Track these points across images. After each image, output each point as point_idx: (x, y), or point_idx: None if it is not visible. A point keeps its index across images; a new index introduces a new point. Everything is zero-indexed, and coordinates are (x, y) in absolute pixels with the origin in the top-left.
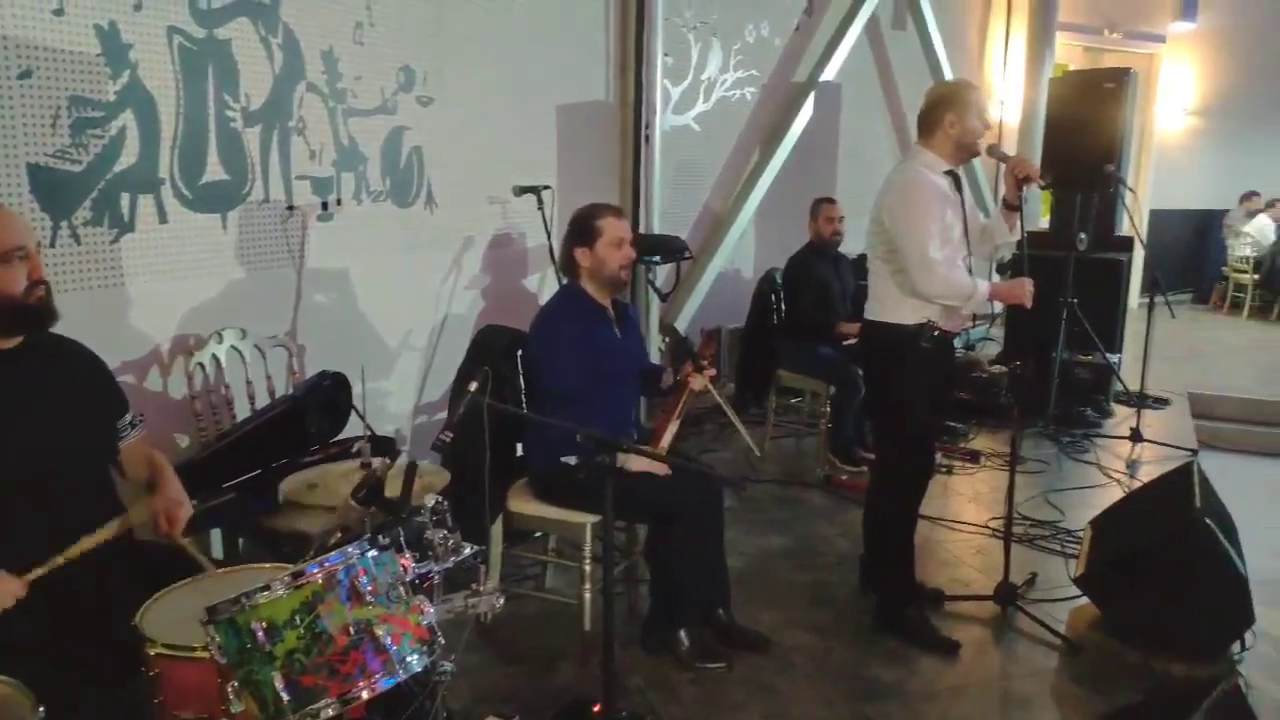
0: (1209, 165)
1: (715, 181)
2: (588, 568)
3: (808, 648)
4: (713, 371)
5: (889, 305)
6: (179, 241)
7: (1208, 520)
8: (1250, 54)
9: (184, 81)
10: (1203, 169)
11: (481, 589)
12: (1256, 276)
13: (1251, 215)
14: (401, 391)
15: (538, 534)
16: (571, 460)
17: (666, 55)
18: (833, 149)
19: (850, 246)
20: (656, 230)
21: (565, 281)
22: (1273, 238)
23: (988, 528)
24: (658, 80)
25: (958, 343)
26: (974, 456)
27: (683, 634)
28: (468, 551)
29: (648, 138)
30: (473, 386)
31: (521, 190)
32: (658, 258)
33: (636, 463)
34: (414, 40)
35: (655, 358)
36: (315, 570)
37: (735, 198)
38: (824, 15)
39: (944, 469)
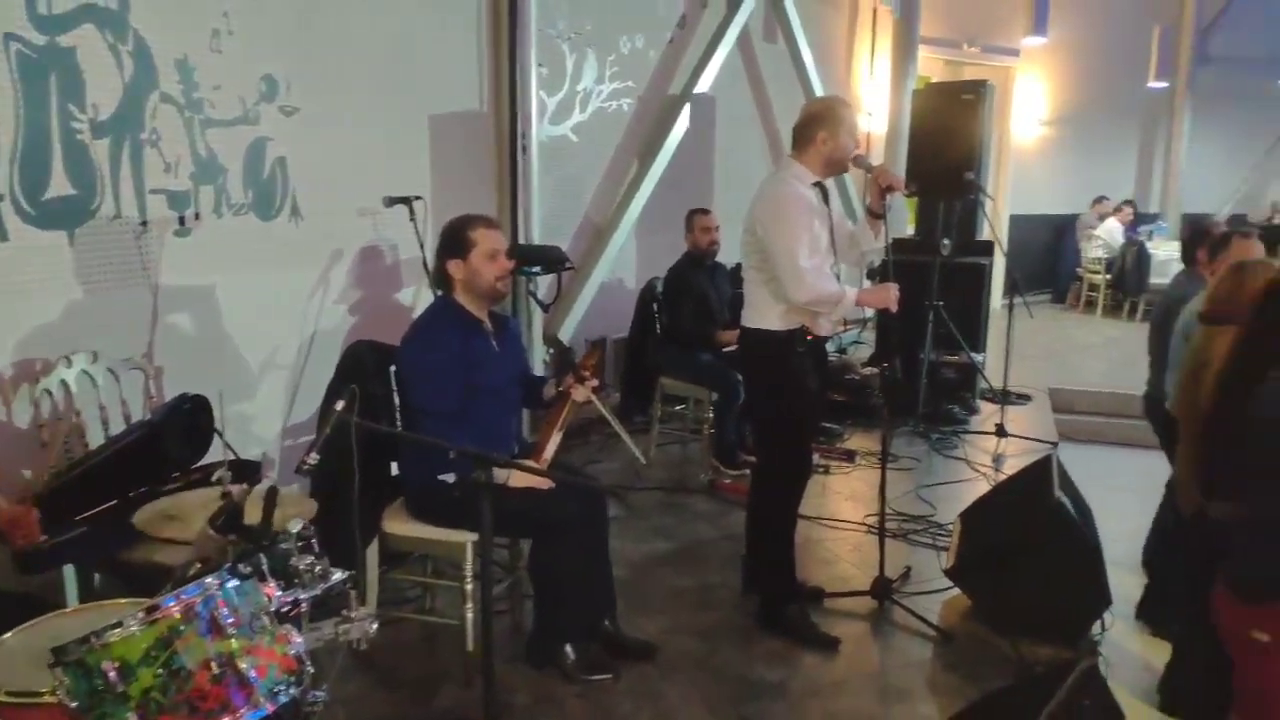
0: (1062, 172)
1: (595, 192)
2: (469, 587)
3: (693, 652)
4: (595, 382)
5: (763, 312)
6: (21, 260)
7: (1064, 508)
8: (1096, 67)
9: (23, 91)
10: (1056, 176)
11: (353, 615)
12: (1108, 277)
13: (1102, 219)
14: (268, 413)
15: (417, 555)
16: (449, 478)
17: (541, 66)
18: (709, 160)
19: (727, 256)
20: (537, 241)
21: (440, 294)
22: (1121, 240)
23: (864, 525)
24: (532, 90)
25: (831, 346)
26: (849, 456)
27: (568, 648)
28: (337, 577)
29: (524, 147)
30: (339, 405)
31: (392, 201)
32: (538, 268)
33: (518, 478)
34: (276, 48)
35: (540, 370)
36: (172, 603)
37: (615, 208)
38: (697, 28)
39: (821, 469)
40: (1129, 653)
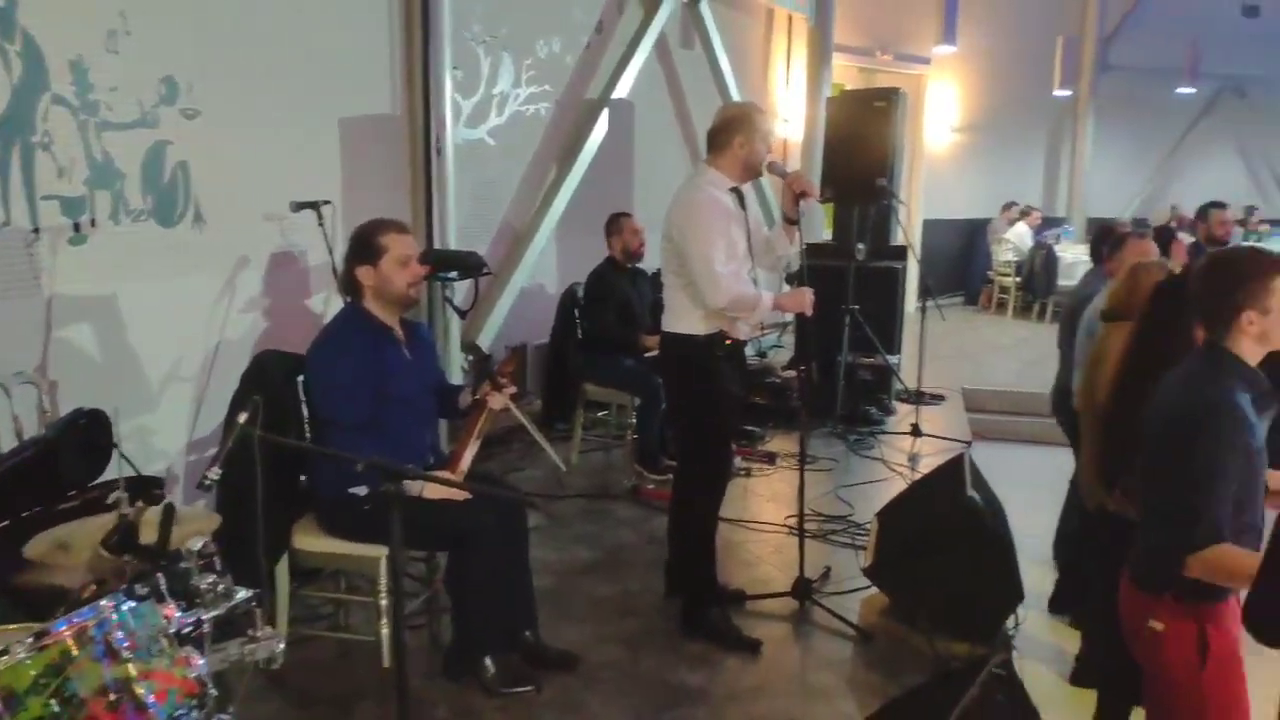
0: (973, 177)
1: (513, 197)
2: (384, 602)
3: (616, 660)
4: (513, 389)
5: (683, 317)
6: None
7: (976, 505)
8: (1004, 76)
9: None
10: (967, 181)
11: (259, 634)
12: (1018, 279)
13: (1011, 223)
14: (171, 427)
15: (330, 571)
16: (360, 491)
17: (456, 68)
18: (628, 165)
19: (649, 261)
20: (453, 246)
21: (349, 301)
22: (1030, 243)
23: (785, 526)
24: (446, 93)
25: (751, 350)
26: (770, 458)
27: (488, 660)
28: (241, 595)
29: (439, 150)
30: (242, 418)
31: (299, 206)
32: (455, 274)
33: (432, 489)
34: (177, 49)
35: (459, 377)
36: (63, 627)
37: (535, 213)
38: (614, 33)
39: (742, 471)
40: (1043, 645)
